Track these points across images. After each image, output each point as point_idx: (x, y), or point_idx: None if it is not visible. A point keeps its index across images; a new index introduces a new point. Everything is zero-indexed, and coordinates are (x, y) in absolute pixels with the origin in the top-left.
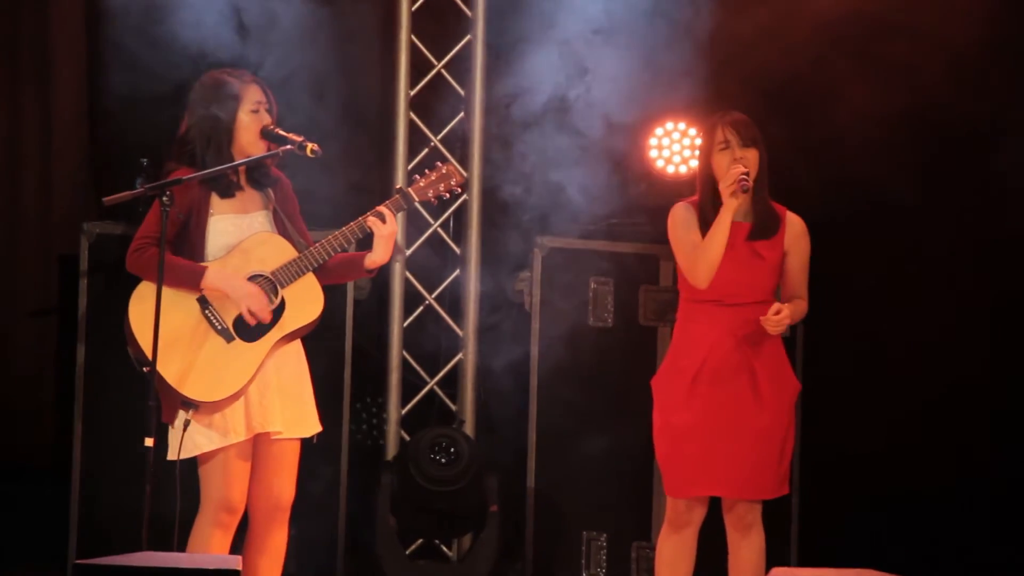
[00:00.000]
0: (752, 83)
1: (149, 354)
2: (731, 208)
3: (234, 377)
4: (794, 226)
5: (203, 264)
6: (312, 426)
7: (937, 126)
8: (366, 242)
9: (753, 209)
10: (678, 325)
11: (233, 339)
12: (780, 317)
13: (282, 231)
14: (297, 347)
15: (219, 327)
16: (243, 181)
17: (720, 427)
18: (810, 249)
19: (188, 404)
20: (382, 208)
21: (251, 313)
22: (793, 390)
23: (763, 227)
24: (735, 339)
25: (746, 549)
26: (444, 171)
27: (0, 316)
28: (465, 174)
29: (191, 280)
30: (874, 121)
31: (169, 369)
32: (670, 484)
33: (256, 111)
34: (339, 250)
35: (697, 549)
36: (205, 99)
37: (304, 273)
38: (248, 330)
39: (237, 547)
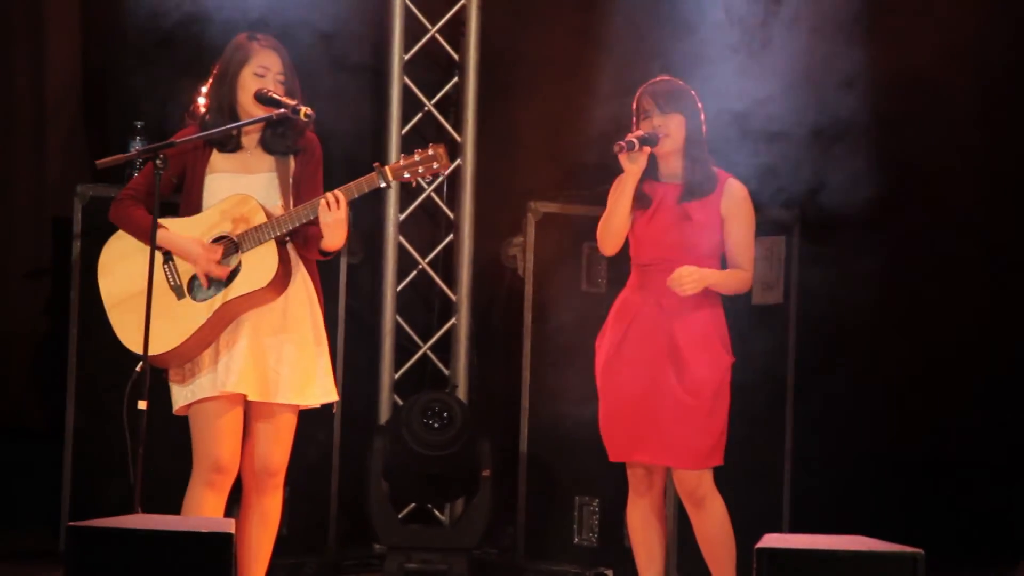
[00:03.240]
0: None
1: (105, 302)
2: (629, 173)
3: (174, 333)
4: (732, 191)
5: (167, 223)
6: (317, 395)
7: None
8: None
9: (684, 171)
10: (623, 289)
11: (184, 296)
12: (681, 276)
13: (284, 197)
14: (302, 314)
15: (173, 283)
16: (249, 141)
17: (642, 394)
18: (752, 217)
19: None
20: (333, 193)
21: (204, 274)
22: (720, 363)
23: (693, 188)
24: (660, 306)
25: (707, 522)
26: (431, 153)
27: None
28: (459, 139)
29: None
30: None
31: (121, 318)
32: (608, 446)
33: (261, 75)
34: (301, 223)
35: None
36: (224, 56)
37: (265, 240)
38: (198, 290)
39: (235, 513)
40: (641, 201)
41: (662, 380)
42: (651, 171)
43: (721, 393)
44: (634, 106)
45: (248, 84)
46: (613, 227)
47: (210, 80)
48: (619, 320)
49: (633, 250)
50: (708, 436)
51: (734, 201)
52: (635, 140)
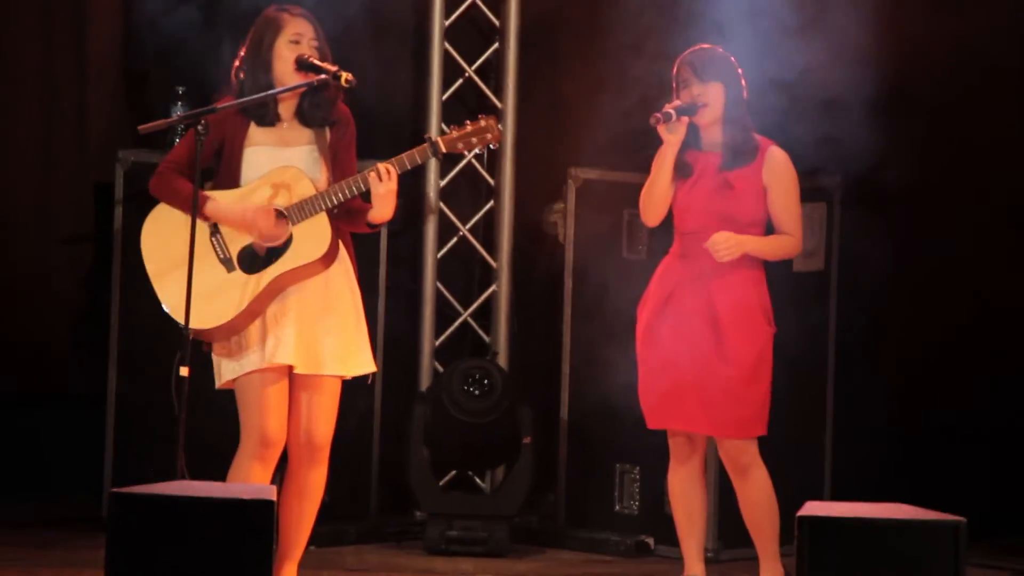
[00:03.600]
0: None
1: (152, 276)
2: (668, 144)
3: (225, 307)
4: (774, 158)
5: (214, 195)
6: (357, 366)
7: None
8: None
9: (724, 139)
10: (665, 256)
11: (234, 269)
12: (716, 241)
13: (326, 170)
14: (341, 286)
15: (222, 256)
16: (287, 114)
17: (682, 362)
18: (795, 183)
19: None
20: (384, 165)
21: (262, 235)
22: (761, 333)
23: (733, 156)
24: (700, 275)
25: (749, 489)
26: (482, 124)
27: (36, 244)
28: (500, 106)
29: (198, 208)
30: None
31: (169, 290)
32: (646, 413)
33: (297, 42)
34: (352, 195)
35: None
36: (255, 31)
37: (316, 212)
38: (249, 262)
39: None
40: (683, 170)
41: (702, 349)
42: (693, 140)
43: (762, 364)
44: (673, 75)
45: (284, 54)
46: (654, 197)
47: (241, 54)
48: (660, 287)
49: (676, 218)
50: (748, 406)
51: (776, 168)
52: (672, 111)
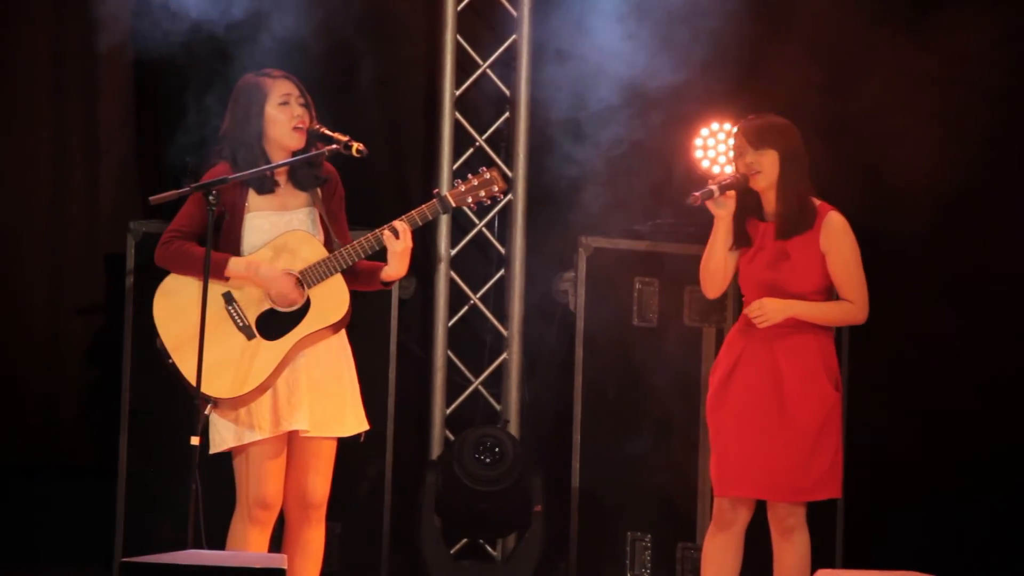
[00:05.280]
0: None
1: (170, 349)
2: (719, 219)
3: (252, 375)
4: (832, 224)
5: (227, 254)
6: (352, 426)
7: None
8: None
9: (777, 208)
10: (734, 324)
11: (254, 336)
12: (752, 310)
13: (323, 231)
14: (338, 346)
15: (240, 324)
16: (283, 179)
17: (751, 428)
18: (855, 248)
19: (207, 399)
20: (398, 222)
21: (280, 295)
22: (827, 398)
23: (788, 226)
24: (765, 341)
25: (789, 552)
26: (487, 176)
27: (48, 314)
28: (510, 174)
29: (216, 270)
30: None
31: (188, 364)
32: (714, 480)
33: (286, 103)
34: (365, 255)
35: (744, 550)
36: (239, 99)
37: (332, 274)
38: (270, 328)
39: (277, 545)
40: (742, 239)
41: (767, 415)
42: (756, 210)
43: (828, 428)
44: (734, 144)
45: (276, 116)
46: (710, 270)
47: (225, 123)
48: (728, 356)
49: (742, 289)
50: (811, 471)
51: (833, 233)
52: (714, 187)
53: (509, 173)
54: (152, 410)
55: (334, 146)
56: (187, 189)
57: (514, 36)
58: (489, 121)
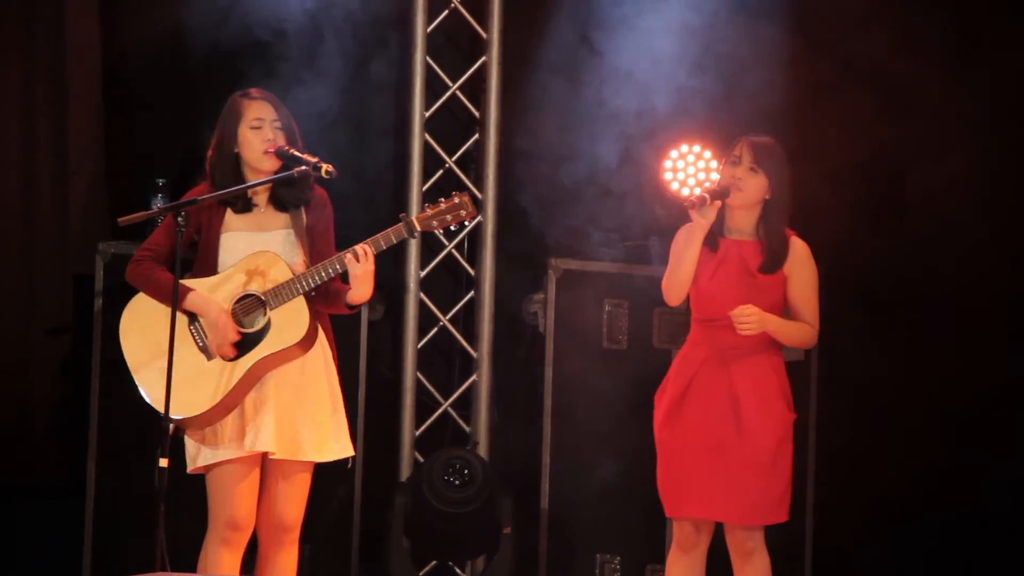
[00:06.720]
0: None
1: (130, 363)
2: (698, 227)
3: (207, 395)
4: (796, 250)
5: (192, 284)
6: (334, 451)
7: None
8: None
9: (762, 240)
10: (684, 344)
11: (213, 357)
12: (741, 314)
13: (303, 253)
14: (316, 368)
15: (201, 344)
16: (261, 199)
17: (704, 450)
18: (815, 274)
19: (170, 420)
20: (361, 245)
21: (215, 343)
22: (782, 420)
23: (772, 260)
24: (722, 362)
25: (749, 574)
26: (456, 201)
27: (17, 335)
28: (480, 196)
29: (179, 298)
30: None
31: (150, 380)
32: (665, 502)
33: (258, 127)
34: (328, 278)
35: (707, 572)
36: (221, 119)
37: (294, 296)
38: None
39: (251, 567)
40: (711, 245)
41: (723, 436)
42: (715, 222)
43: (782, 451)
44: (731, 150)
45: (248, 138)
46: (681, 277)
47: (212, 142)
48: (679, 376)
49: (694, 305)
50: (768, 493)
51: (798, 259)
52: (707, 195)
53: (479, 195)
54: (120, 431)
55: (303, 167)
56: (155, 211)
57: (484, 58)
58: (459, 143)
